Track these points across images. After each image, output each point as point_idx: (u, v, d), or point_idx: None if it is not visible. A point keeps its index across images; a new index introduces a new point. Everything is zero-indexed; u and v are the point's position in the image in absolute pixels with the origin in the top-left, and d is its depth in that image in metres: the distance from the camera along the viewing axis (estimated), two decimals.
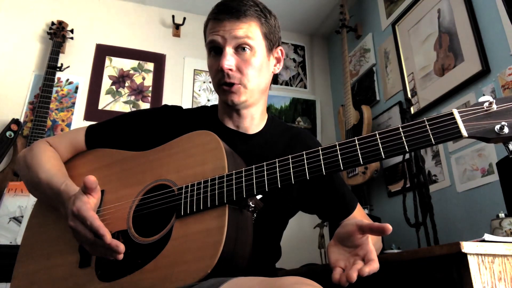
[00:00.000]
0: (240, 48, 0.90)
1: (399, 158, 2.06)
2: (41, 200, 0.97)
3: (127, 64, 2.61)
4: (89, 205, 0.75)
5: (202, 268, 0.67)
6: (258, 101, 0.97)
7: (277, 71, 1.02)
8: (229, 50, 0.89)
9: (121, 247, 0.72)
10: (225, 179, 0.74)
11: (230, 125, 0.98)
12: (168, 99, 2.60)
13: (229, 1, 0.91)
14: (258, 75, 0.93)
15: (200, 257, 0.69)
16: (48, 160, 0.93)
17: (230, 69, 0.89)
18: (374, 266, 0.69)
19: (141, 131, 0.98)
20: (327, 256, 0.77)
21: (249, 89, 0.91)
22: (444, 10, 1.93)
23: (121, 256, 0.73)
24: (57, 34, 2.40)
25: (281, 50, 1.01)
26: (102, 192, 0.90)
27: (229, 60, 0.88)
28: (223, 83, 0.90)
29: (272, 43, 0.97)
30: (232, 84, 0.90)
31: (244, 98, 0.92)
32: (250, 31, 0.91)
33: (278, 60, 1.01)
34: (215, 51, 0.92)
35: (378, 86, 2.44)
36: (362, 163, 0.67)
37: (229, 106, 0.95)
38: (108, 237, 0.71)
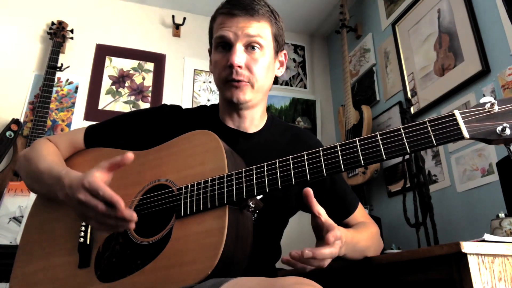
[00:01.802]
0: (250, 46, 0.90)
1: (399, 158, 2.06)
2: (40, 191, 0.95)
3: (127, 64, 2.61)
4: (100, 179, 0.74)
5: (203, 269, 0.67)
6: (260, 102, 0.97)
7: (279, 74, 1.02)
8: (239, 47, 0.89)
9: (134, 215, 0.71)
10: (225, 179, 0.74)
11: (230, 124, 0.98)
12: (168, 99, 2.60)
13: None
14: (265, 75, 0.93)
15: (200, 258, 0.69)
16: (49, 153, 0.93)
17: (240, 66, 0.88)
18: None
19: (140, 130, 0.98)
20: None
21: (255, 88, 0.91)
22: (444, 10, 1.93)
23: (133, 225, 0.72)
24: (57, 34, 2.40)
25: (285, 54, 1.02)
26: None
27: (240, 56, 0.88)
28: (230, 80, 0.89)
29: (279, 45, 0.97)
30: (239, 81, 0.89)
31: (249, 98, 0.92)
32: (262, 30, 0.91)
33: (281, 64, 1.02)
34: (223, 46, 0.91)
35: (378, 86, 2.44)
36: (363, 164, 0.67)
37: (230, 105, 0.95)
38: (122, 204, 0.70)
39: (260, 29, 0.90)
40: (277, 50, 0.97)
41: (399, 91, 2.22)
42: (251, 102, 0.94)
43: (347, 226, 1.05)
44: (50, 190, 0.86)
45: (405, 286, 1.04)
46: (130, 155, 0.74)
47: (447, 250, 0.85)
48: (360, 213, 1.06)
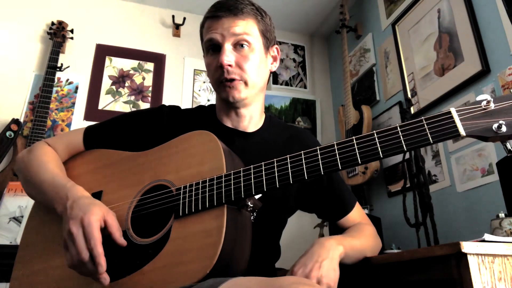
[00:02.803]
0: (238, 45, 0.91)
1: (399, 158, 2.06)
2: (37, 199, 0.95)
3: (127, 64, 2.61)
4: (98, 226, 0.73)
5: (201, 268, 0.67)
6: (257, 99, 0.98)
7: (274, 69, 1.03)
8: (228, 47, 0.90)
9: (107, 281, 0.72)
10: (223, 179, 0.74)
11: (228, 124, 0.98)
12: (168, 99, 2.60)
13: (225, 0, 0.93)
14: (257, 71, 0.93)
15: (199, 258, 0.68)
16: (50, 160, 0.93)
17: (230, 65, 0.89)
18: None
19: (139, 131, 0.98)
20: None
21: (249, 85, 0.92)
22: (444, 10, 1.93)
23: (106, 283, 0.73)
24: (57, 34, 2.40)
25: (277, 48, 1.02)
26: (100, 193, 0.90)
27: (229, 56, 0.89)
28: (223, 79, 0.90)
29: (268, 41, 0.98)
30: (232, 80, 0.90)
31: (245, 95, 0.92)
32: (248, 27, 0.92)
33: (274, 59, 1.02)
34: (213, 49, 0.92)
35: (378, 86, 2.44)
36: (360, 162, 0.67)
37: (228, 105, 0.95)
38: (103, 268, 0.70)
39: (246, 27, 0.91)
40: (268, 46, 0.98)
41: (399, 91, 2.22)
42: (247, 100, 0.94)
43: (343, 226, 1.05)
44: (50, 202, 0.85)
45: (405, 286, 1.04)
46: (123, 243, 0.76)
47: (447, 250, 0.85)
48: (357, 213, 1.06)
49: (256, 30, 0.94)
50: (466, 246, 0.81)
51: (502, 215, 1.21)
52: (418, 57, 2.09)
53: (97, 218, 0.73)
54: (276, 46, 1.02)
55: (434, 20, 1.99)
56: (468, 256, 0.82)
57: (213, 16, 0.92)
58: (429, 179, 1.88)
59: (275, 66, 1.02)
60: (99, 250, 0.70)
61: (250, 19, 0.93)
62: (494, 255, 0.84)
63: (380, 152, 0.66)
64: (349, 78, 2.47)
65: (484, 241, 0.88)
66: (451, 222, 1.75)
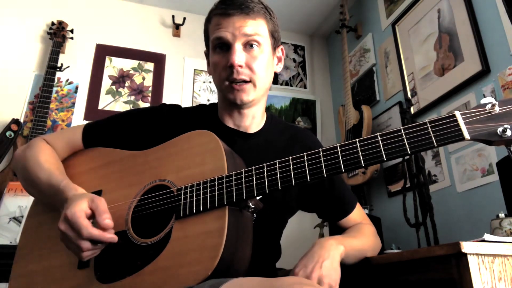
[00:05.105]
0: (248, 45, 0.90)
1: (399, 158, 2.06)
2: (38, 198, 0.96)
3: (127, 64, 2.61)
4: (83, 213, 0.74)
5: (203, 270, 0.67)
6: (261, 100, 0.97)
7: (278, 70, 1.02)
8: (238, 46, 0.89)
9: (115, 239, 0.75)
10: (224, 180, 0.74)
11: (230, 124, 0.98)
12: (168, 99, 2.60)
13: None
14: (265, 72, 0.93)
15: (200, 259, 0.68)
16: (47, 159, 0.92)
17: (240, 65, 0.88)
18: None
19: (139, 130, 0.97)
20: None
21: (257, 87, 0.91)
22: (444, 10, 1.93)
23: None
24: (57, 34, 2.40)
25: (282, 49, 1.02)
26: (100, 192, 0.90)
27: (239, 56, 0.88)
28: (231, 80, 0.89)
29: (276, 41, 0.97)
30: (241, 81, 0.89)
31: (252, 97, 0.92)
32: (259, 28, 0.91)
33: (279, 59, 1.02)
34: (221, 47, 0.91)
35: (378, 86, 2.44)
36: (363, 165, 0.67)
37: (231, 105, 0.94)
38: (108, 237, 0.74)
39: (256, 27, 0.90)
40: (275, 47, 0.97)
41: (399, 91, 2.22)
42: (254, 101, 0.94)
43: (344, 227, 1.05)
44: (49, 199, 0.87)
45: (405, 286, 1.04)
46: (110, 224, 0.76)
47: (447, 250, 0.85)
48: (358, 214, 1.06)
49: (266, 30, 0.93)
50: (466, 246, 0.82)
51: (502, 215, 1.21)
52: (418, 57, 2.09)
53: (80, 209, 0.74)
54: (281, 46, 1.01)
55: (434, 20, 1.99)
56: (468, 256, 0.82)
57: (223, 13, 0.90)
58: (429, 179, 1.88)
59: (279, 67, 1.02)
60: (95, 232, 0.72)
61: (260, 18, 0.92)
62: (494, 255, 0.84)
63: (384, 155, 0.65)
64: (349, 78, 2.47)
65: (484, 241, 0.88)
66: (451, 222, 1.75)
